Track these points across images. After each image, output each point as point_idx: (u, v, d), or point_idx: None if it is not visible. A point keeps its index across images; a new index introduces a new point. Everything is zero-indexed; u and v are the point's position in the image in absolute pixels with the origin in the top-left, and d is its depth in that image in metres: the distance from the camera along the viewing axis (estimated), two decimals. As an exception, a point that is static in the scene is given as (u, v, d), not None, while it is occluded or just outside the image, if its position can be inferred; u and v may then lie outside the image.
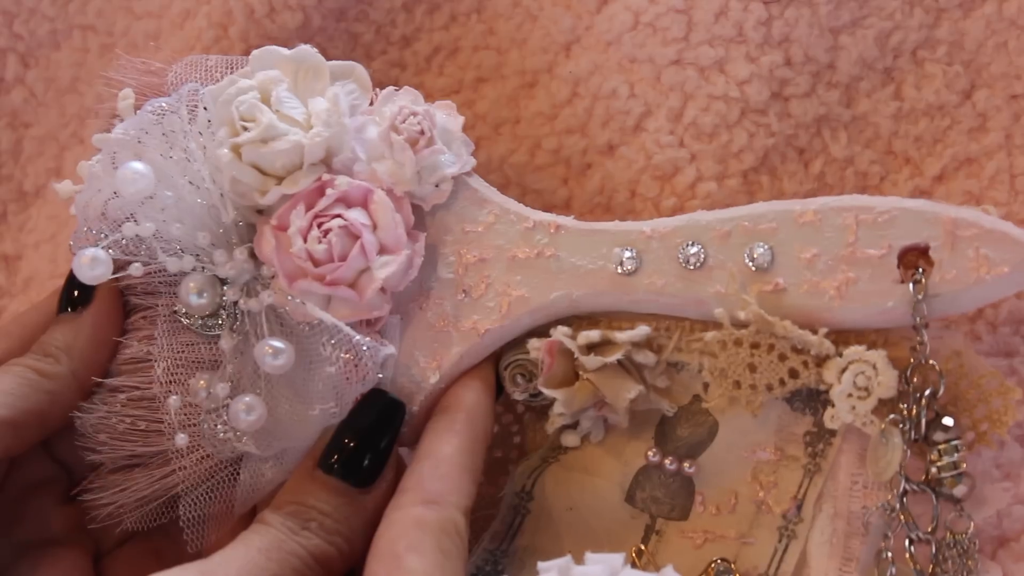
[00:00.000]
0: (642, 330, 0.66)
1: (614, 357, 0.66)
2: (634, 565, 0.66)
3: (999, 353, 0.70)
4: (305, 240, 0.66)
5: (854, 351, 0.64)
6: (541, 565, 0.60)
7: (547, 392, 0.67)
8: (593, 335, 0.67)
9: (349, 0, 0.77)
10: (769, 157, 0.72)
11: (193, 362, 0.68)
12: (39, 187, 0.82)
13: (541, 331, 0.68)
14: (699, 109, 0.72)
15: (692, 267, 0.66)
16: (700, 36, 0.72)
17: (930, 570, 0.62)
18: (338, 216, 0.66)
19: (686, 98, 0.72)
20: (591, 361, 0.66)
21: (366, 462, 0.65)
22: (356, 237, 0.66)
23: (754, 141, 0.72)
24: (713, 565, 0.65)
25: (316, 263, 0.66)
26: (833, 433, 0.66)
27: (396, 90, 0.70)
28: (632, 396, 0.66)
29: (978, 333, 0.70)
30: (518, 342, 0.69)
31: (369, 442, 0.65)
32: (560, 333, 0.67)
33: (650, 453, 0.68)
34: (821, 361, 0.65)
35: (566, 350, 0.67)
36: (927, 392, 0.64)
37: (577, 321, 0.68)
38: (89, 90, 0.80)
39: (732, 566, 0.64)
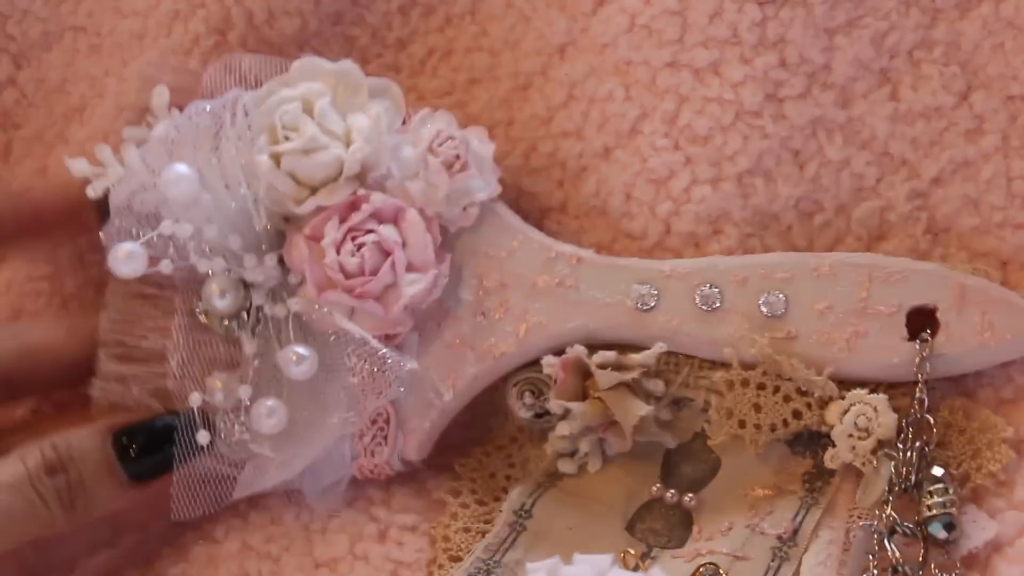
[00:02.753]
0: (658, 347, 0.69)
1: (629, 375, 0.69)
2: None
3: (998, 358, 0.72)
4: (338, 252, 0.68)
5: (856, 394, 0.67)
6: (530, 566, 0.62)
7: (558, 405, 0.69)
8: (609, 355, 0.69)
9: (345, 3, 0.77)
10: (763, 159, 0.72)
11: (208, 359, 0.70)
12: (26, 189, 0.80)
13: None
14: (694, 112, 0.72)
15: (707, 309, 0.69)
16: (695, 38, 0.72)
17: None
18: (371, 232, 0.68)
19: (681, 101, 0.72)
20: (605, 377, 0.69)
21: (148, 463, 0.68)
22: (388, 254, 0.68)
23: (748, 144, 0.72)
24: (702, 569, 0.66)
25: (347, 275, 0.68)
26: (832, 473, 0.68)
27: (432, 112, 0.72)
28: (642, 414, 0.68)
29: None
30: (528, 363, 0.71)
31: (161, 450, 0.68)
32: (577, 350, 0.69)
33: (654, 489, 0.70)
34: (824, 403, 0.68)
35: (580, 367, 0.69)
36: (918, 444, 0.67)
37: (590, 348, 0.70)
38: (76, 90, 0.80)
39: (721, 571, 0.66)
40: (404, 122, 0.72)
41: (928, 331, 0.67)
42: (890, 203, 0.72)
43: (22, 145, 0.81)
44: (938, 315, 0.67)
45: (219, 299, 0.69)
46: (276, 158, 0.68)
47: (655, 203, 0.73)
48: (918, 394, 0.67)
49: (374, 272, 0.68)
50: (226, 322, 0.70)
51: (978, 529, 0.67)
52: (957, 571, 0.65)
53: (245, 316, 0.70)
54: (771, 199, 0.72)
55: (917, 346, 0.67)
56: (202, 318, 0.70)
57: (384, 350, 0.67)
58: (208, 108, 0.69)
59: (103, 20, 0.79)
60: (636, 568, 0.67)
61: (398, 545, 0.69)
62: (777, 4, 0.72)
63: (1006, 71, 0.72)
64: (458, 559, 0.68)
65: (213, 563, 0.70)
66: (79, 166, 0.72)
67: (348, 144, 0.69)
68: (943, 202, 0.73)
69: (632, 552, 0.67)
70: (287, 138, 0.68)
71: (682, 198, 0.72)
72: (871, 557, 0.65)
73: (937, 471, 0.66)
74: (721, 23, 0.72)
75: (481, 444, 0.74)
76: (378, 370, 0.67)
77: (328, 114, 0.69)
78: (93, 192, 0.71)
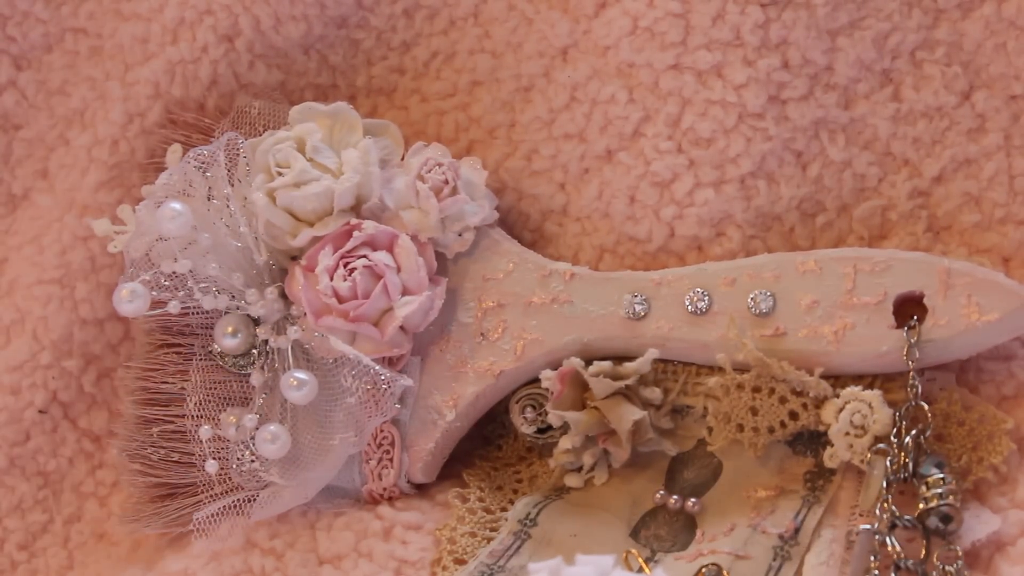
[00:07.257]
0: (650, 353, 0.70)
1: (623, 383, 0.70)
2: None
3: (998, 357, 0.70)
4: (331, 278, 0.70)
5: (850, 391, 0.67)
6: (532, 566, 0.62)
7: (555, 415, 0.70)
8: (604, 365, 0.70)
9: (350, 7, 0.79)
10: (766, 161, 0.73)
11: (224, 398, 0.72)
12: (27, 190, 0.82)
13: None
14: (696, 115, 0.73)
15: (698, 313, 0.69)
16: (698, 40, 0.73)
17: None
18: (363, 256, 0.70)
19: (684, 103, 0.73)
20: (600, 385, 0.70)
21: None
22: (380, 277, 0.70)
23: (751, 146, 0.73)
24: (704, 569, 0.66)
25: (341, 300, 0.70)
26: (834, 472, 0.68)
27: (424, 145, 0.74)
28: (636, 418, 0.69)
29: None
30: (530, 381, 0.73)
31: None
32: (572, 361, 0.70)
33: (658, 496, 0.70)
34: (820, 403, 0.68)
35: (577, 379, 0.70)
36: (914, 431, 0.66)
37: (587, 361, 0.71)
38: (76, 92, 0.81)
39: (723, 571, 0.66)
40: (403, 159, 0.75)
41: (915, 318, 0.67)
42: (891, 202, 0.73)
43: (22, 146, 0.82)
44: (925, 301, 0.67)
45: (231, 338, 0.71)
46: (271, 195, 0.71)
47: (659, 206, 0.73)
48: (911, 381, 0.67)
49: (366, 295, 0.70)
50: (237, 360, 0.72)
51: (981, 523, 0.66)
52: (959, 562, 0.65)
53: (255, 353, 0.72)
54: (773, 200, 0.73)
55: (905, 333, 0.67)
56: (218, 359, 0.73)
57: (377, 368, 0.69)
58: (205, 152, 0.72)
59: (104, 22, 0.80)
60: (639, 570, 0.67)
61: (402, 544, 0.70)
62: (780, 6, 0.72)
63: (1008, 71, 0.73)
64: (463, 562, 0.69)
65: (217, 559, 0.70)
66: (102, 226, 0.76)
67: (341, 176, 0.72)
68: (944, 199, 0.73)
69: (634, 552, 0.67)
70: (280, 174, 0.71)
71: (685, 201, 0.73)
72: (873, 558, 0.65)
73: (935, 459, 0.66)
74: (724, 25, 0.73)
75: (490, 461, 0.75)
76: (374, 389, 0.69)
77: (321, 150, 0.72)
78: (114, 248, 0.75)
